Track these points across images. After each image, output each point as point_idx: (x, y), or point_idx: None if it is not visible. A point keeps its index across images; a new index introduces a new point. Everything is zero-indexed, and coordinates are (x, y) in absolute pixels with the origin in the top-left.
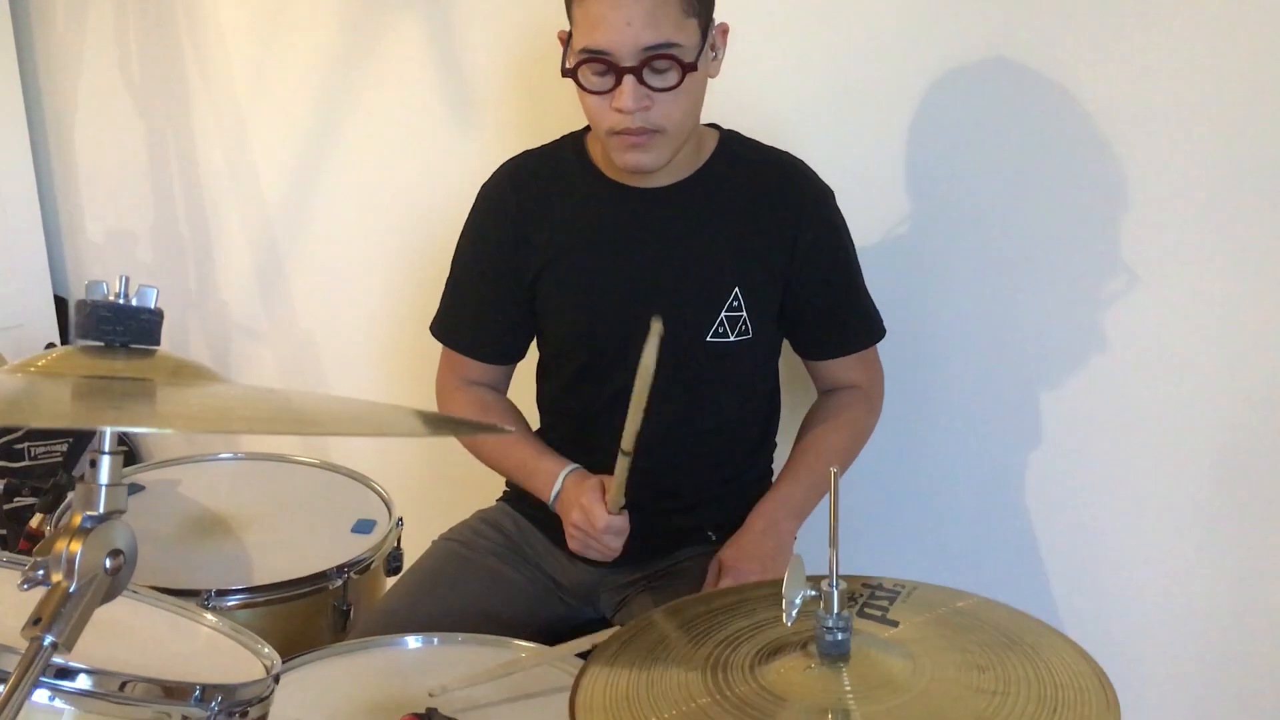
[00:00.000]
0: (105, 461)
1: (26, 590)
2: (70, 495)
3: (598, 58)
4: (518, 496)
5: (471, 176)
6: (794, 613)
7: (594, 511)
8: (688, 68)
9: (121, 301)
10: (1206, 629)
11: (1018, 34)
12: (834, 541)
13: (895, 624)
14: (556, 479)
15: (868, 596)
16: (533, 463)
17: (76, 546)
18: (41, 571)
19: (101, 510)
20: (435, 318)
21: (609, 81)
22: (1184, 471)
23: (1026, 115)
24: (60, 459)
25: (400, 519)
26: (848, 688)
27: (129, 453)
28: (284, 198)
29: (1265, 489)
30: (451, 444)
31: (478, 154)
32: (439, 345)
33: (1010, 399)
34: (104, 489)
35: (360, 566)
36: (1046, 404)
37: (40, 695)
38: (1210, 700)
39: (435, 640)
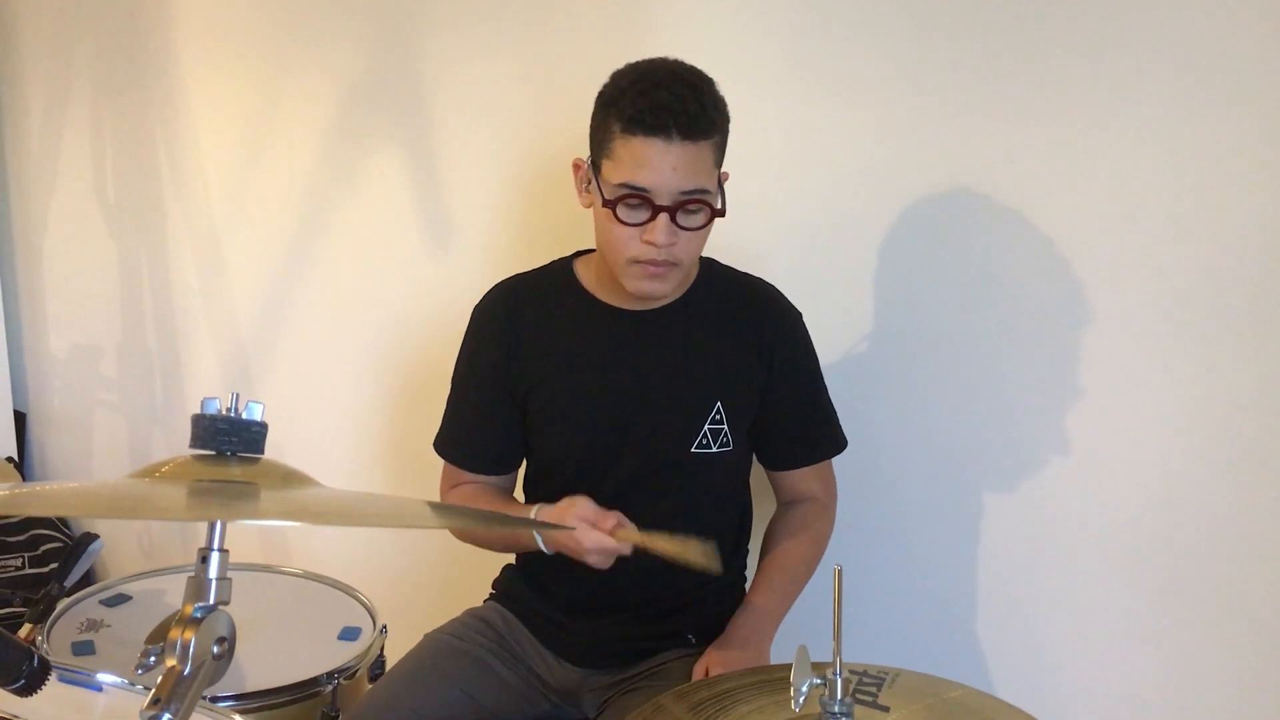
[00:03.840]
0: (215, 557)
1: (141, 675)
2: (60, 605)
3: (637, 194)
4: (506, 596)
5: (445, 299)
6: (801, 699)
7: (604, 543)
8: (715, 212)
9: (234, 415)
10: None
11: (971, 170)
12: (838, 634)
13: (886, 709)
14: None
15: (857, 682)
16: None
17: (190, 635)
18: (153, 657)
19: (211, 601)
20: (437, 435)
21: (643, 215)
22: (1134, 576)
23: (978, 247)
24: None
25: (384, 626)
26: None
27: (87, 575)
28: (257, 315)
29: (1204, 597)
30: (432, 552)
31: (450, 278)
32: (408, 461)
33: (966, 505)
34: (214, 582)
35: (349, 672)
36: (993, 509)
37: None
38: None
39: None
